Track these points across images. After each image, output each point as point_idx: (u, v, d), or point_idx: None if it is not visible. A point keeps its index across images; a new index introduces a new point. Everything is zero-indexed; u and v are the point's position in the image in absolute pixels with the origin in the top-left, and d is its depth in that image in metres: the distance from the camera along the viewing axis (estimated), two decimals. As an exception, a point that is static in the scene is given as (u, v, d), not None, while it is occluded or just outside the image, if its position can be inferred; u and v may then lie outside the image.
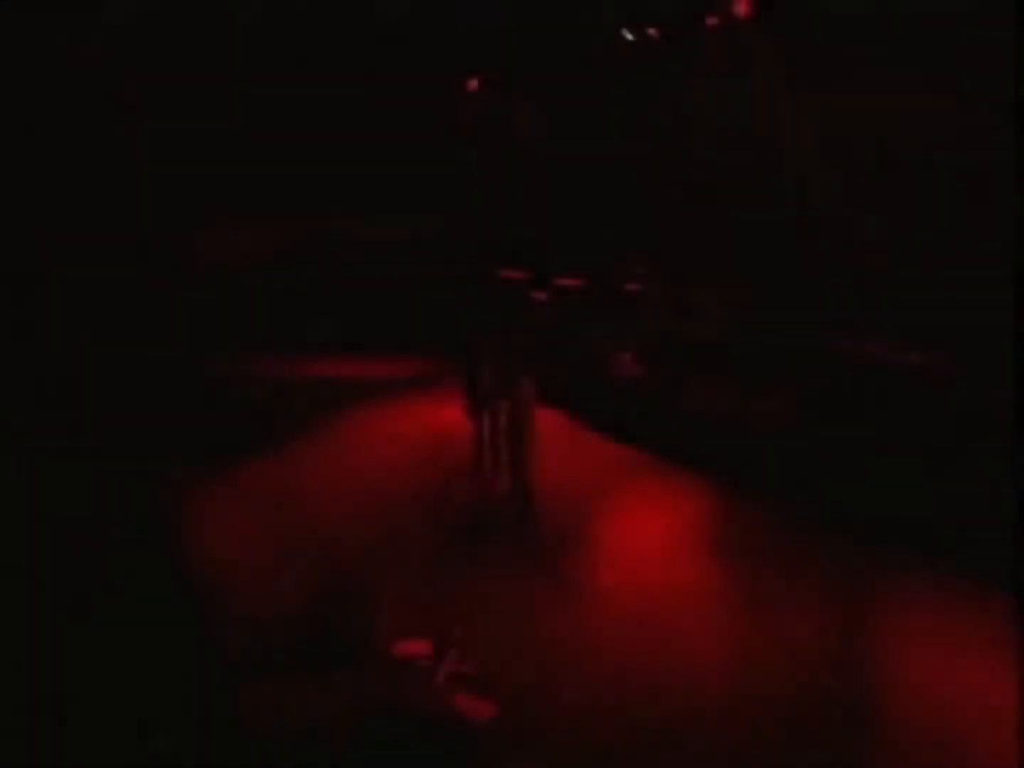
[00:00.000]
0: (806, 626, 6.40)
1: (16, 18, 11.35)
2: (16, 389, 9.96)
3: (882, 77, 9.43)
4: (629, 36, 12.54)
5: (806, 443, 8.79)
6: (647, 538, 7.91)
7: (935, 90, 8.83)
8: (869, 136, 9.60)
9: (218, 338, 13.50)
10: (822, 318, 9.80)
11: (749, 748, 5.25)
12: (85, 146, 13.20)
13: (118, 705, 5.07)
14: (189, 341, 13.30)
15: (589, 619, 6.56)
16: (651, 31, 12.30)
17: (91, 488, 8.25)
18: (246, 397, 11.21)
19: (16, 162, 11.91)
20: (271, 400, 11.10)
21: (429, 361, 13.44)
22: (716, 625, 6.49)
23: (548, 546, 7.57)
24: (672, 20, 11.97)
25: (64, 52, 12.39)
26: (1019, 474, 6.20)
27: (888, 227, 9.62)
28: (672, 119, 12.50)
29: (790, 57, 10.57)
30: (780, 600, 6.75)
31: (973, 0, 8.34)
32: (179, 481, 8.91)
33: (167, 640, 5.88)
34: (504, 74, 14.99)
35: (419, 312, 14.95)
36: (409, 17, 12.88)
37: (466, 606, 6.52)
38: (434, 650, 6.06)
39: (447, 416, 10.84)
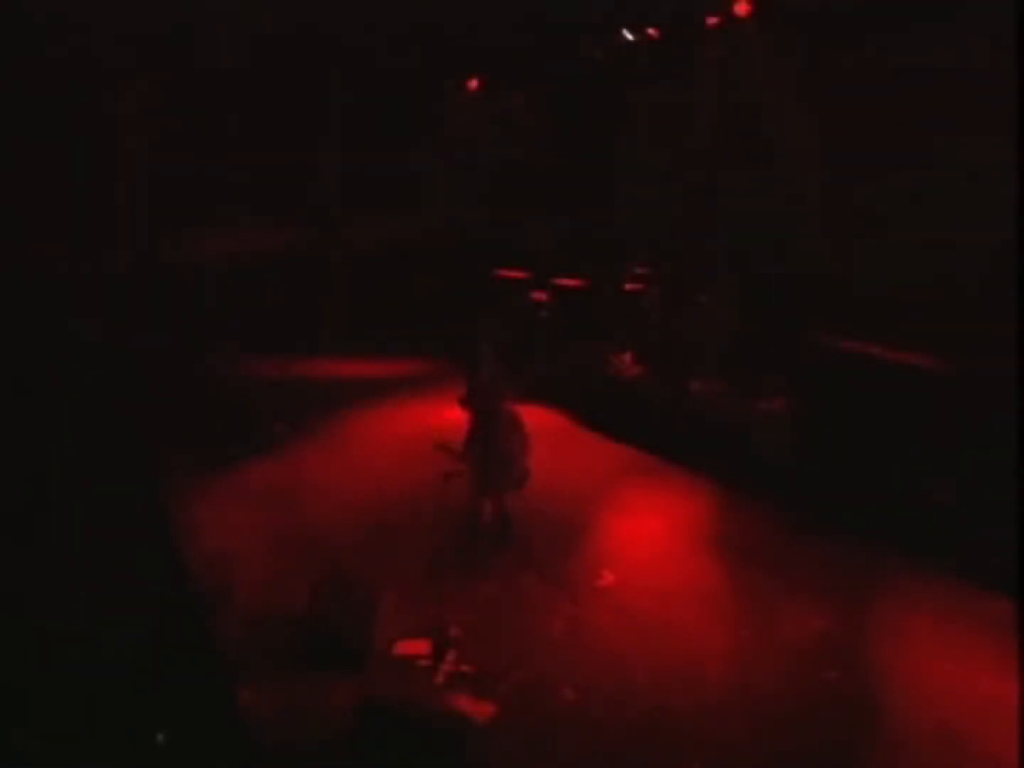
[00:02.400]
0: (806, 625, 6.42)
1: (15, 20, 11.37)
2: (16, 390, 9.96)
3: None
4: (629, 36, 12.52)
5: (806, 443, 8.78)
6: (647, 538, 7.91)
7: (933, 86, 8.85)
8: (867, 133, 9.62)
9: (219, 338, 13.53)
10: (822, 318, 9.80)
11: (749, 746, 5.26)
12: (84, 149, 13.21)
13: (120, 705, 5.08)
14: (190, 341, 13.33)
15: (588, 619, 6.57)
16: (651, 31, 12.28)
17: (92, 487, 8.26)
18: (246, 397, 11.20)
19: (12, 165, 11.93)
20: (272, 400, 11.08)
21: (429, 361, 13.45)
22: (715, 625, 6.49)
23: (548, 546, 7.57)
24: (672, 20, 11.95)
25: (61, 55, 12.42)
26: (1020, 474, 6.20)
27: (887, 225, 9.64)
28: (671, 118, 12.50)
29: (788, 55, 10.59)
30: (779, 599, 6.77)
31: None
32: (180, 480, 8.92)
33: (168, 640, 5.88)
34: (504, 74, 15.04)
35: (419, 313, 14.97)
36: (409, 19, 12.88)
37: (466, 606, 6.51)
38: (434, 650, 6.07)
39: (446, 416, 10.83)
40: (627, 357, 11.60)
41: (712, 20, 11.39)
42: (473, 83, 15.70)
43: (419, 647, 6.07)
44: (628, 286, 12.25)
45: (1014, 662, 5.23)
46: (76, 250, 12.85)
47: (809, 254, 10.54)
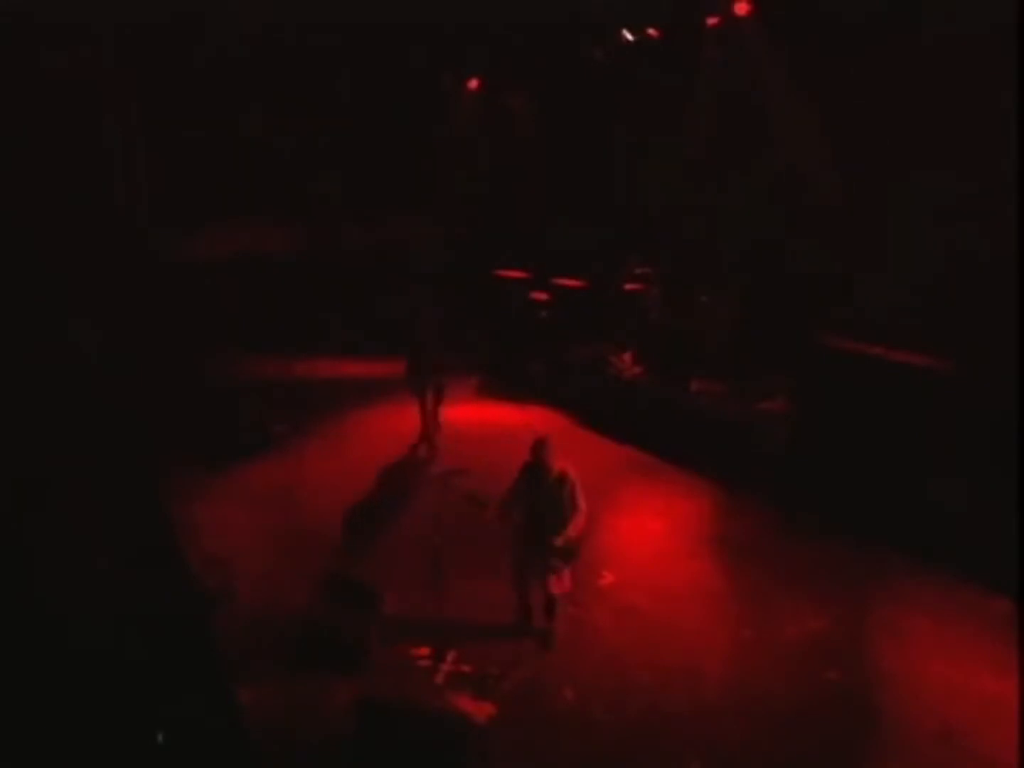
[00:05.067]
0: (805, 625, 6.42)
1: (14, 20, 11.36)
2: (16, 389, 9.96)
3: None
4: (629, 36, 12.52)
5: (806, 443, 8.78)
6: (647, 537, 7.91)
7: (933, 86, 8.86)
8: (867, 132, 9.63)
9: (219, 338, 13.53)
10: (822, 319, 9.80)
11: (750, 746, 5.27)
12: (84, 148, 13.21)
13: (119, 704, 5.08)
14: (190, 340, 13.32)
15: (589, 619, 6.57)
16: (651, 31, 12.28)
17: (91, 487, 8.26)
18: (248, 397, 11.21)
19: (12, 165, 11.92)
20: (273, 400, 11.08)
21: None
22: (715, 625, 6.49)
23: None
24: (672, 20, 11.95)
25: (60, 54, 12.41)
26: (1020, 475, 6.20)
27: (887, 222, 9.65)
28: (671, 118, 12.50)
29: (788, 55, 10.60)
30: (779, 599, 6.77)
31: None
32: (181, 480, 8.92)
33: (167, 640, 5.88)
34: (504, 74, 15.04)
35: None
36: (409, 19, 12.88)
37: (466, 606, 6.50)
38: (434, 650, 6.07)
39: (446, 416, 10.83)
40: (627, 357, 11.60)
41: (712, 20, 11.40)
42: (473, 83, 15.71)
43: (419, 647, 6.07)
44: (628, 286, 12.25)
45: (1013, 660, 5.23)
46: (76, 249, 12.84)
47: (810, 254, 10.55)
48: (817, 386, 8.99)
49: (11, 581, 6.23)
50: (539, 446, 6.14)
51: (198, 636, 5.96)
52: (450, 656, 5.98)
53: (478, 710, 5.33)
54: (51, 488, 8.09)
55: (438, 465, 8.84)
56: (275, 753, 5.17)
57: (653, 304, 11.84)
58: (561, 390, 11.64)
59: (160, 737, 4.73)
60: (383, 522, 8.27)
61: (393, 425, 10.65)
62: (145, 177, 14.11)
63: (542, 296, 13.26)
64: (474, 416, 11.10)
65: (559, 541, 5.90)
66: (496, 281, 14.40)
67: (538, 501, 6.06)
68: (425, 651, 6.04)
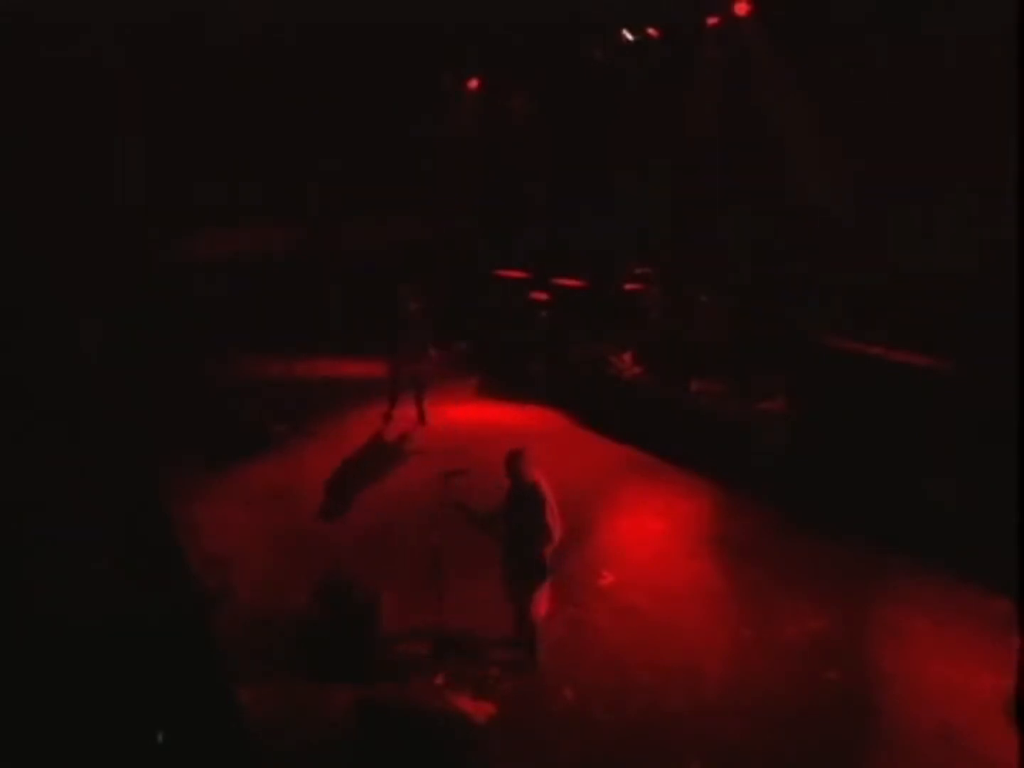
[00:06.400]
0: (805, 624, 6.42)
1: (14, 20, 11.36)
2: (16, 389, 9.96)
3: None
4: (629, 36, 12.53)
5: (805, 443, 8.78)
6: (647, 537, 7.91)
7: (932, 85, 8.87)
8: (866, 131, 9.63)
9: (216, 338, 13.52)
10: (822, 319, 9.80)
11: (750, 746, 5.27)
12: (85, 148, 13.21)
13: (119, 704, 5.08)
14: (188, 341, 13.32)
15: (589, 619, 6.57)
16: (651, 31, 12.29)
17: (91, 488, 8.25)
18: (245, 397, 11.21)
19: (12, 166, 11.92)
20: (273, 400, 11.09)
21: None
22: (715, 625, 6.49)
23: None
24: (672, 20, 11.95)
25: (60, 54, 12.41)
26: (1020, 474, 6.19)
27: (887, 222, 9.65)
28: (671, 118, 12.50)
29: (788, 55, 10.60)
30: (778, 598, 6.77)
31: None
32: (182, 480, 8.92)
33: (168, 640, 5.88)
34: (504, 74, 15.04)
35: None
36: (410, 19, 12.87)
37: (466, 606, 6.50)
38: (434, 650, 6.07)
39: (448, 415, 10.84)
40: (627, 357, 11.60)
41: (712, 20, 11.40)
42: (473, 83, 15.71)
43: (419, 647, 6.07)
44: (628, 286, 12.25)
45: (1013, 660, 5.22)
46: (76, 249, 12.84)
47: (809, 253, 10.55)
48: (817, 386, 8.99)
49: (11, 581, 6.23)
50: (512, 458, 5.81)
51: (198, 636, 5.96)
52: (450, 656, 5.97)
53: (478, 710, 5.33)
54: (51, 488, 8.09)
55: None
56: (275, 753, 5.17)
57: (653, 304, 11.83)
58: (561, 390, 11.64)
59: (160, 737, 4.73)
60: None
61: (393, 425, 10.66)
62: (145, 177, 14.10)
63: (542, 296, 13.26)
64: (474, 416, 11.10)
65: (524, 556, 5.72)
66: (496, 281, 14.40)
67: (511, 514, 5.82)
68: (425, 651, 6.04)
